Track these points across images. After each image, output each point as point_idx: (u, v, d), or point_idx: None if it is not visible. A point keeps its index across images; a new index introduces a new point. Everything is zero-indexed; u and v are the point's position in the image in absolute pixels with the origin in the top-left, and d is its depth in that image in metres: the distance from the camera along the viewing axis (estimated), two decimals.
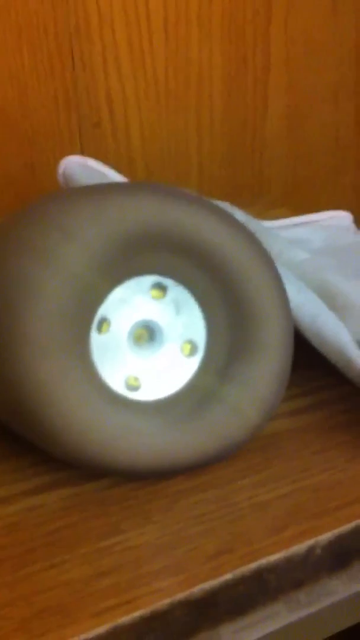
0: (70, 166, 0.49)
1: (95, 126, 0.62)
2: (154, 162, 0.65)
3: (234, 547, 0.30)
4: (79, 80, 0.60)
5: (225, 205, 0.49)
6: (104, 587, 0.29)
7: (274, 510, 0.33)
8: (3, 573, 0.30)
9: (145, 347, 0.36)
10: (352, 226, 0.52)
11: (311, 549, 0.30)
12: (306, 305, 0.40)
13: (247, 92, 0.68)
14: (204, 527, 0.32)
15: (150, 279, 0.35)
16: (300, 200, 0.72)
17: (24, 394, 0.32)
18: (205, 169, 0.67)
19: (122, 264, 0.33)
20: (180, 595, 0.28)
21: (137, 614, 0.28)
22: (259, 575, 0.29)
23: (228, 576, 0.29)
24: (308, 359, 0.41)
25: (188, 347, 0.36)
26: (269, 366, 0.35)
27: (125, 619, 0.27)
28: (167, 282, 0.36)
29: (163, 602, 0.28)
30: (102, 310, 0.34)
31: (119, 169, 0.51)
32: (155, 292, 0.36)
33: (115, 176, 0.49)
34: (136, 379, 0.35)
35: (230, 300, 0.35)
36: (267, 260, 0.36)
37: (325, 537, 0.31)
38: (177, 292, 0.36)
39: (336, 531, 0.31)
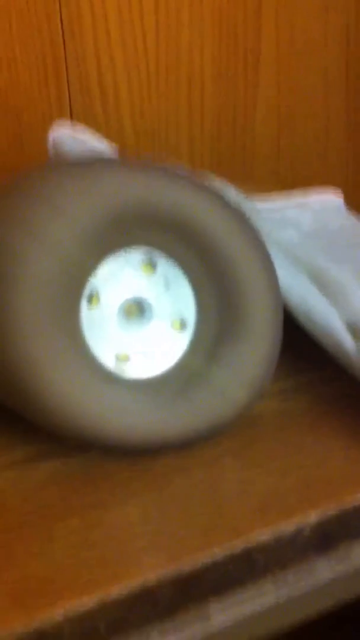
0: (59, 135, 0.48)
1: (84, 96, 0.61)
2: (144, 134, 0.64)
3: (221, 525, 0.31)
4: (68, 49, 0.59)
5: (216, 182, 0.49)
6: (91, 562, 0.29)
7: (261, 491, 0.33)
8: None
9: (135, 323, 0.36)
10: (342, 207, 0.52)
11: (299, 530, 0.31)
12: (296, 287, 0.40)
13: (238, 65, 0.67)
14: (191, 505, 0.32)
15: (140, 254, 0.35)
16: (290, 176, 0.72)
17: (13, 367, 0.32)
18: (196, 141, 0.67)
19: (111, 239, 0.33)
20: (168, 572, 0.28)
21: (124, 588, 0.28)
22: (247, 554, 0.30)
23: (216, 554, 0.29)
24: (297, 340, 0.41)
25: (178, 323, 0.36)
26: (257, 347, 0.36)
27: (112, 593, 0.28)
28: (158, 257, 0.35)
29: (151, 578, 0.28)
30: (92, 285, 0.34)
31: (108, 138, 0.51)
32: (145, 268, 0.36)
33: (105, 147, 0.48)
34: (126, 354, 0.35)
35: (220, 279, 0.35)
36: (257, 241, 0.36)
37: (314, 518, 0.31)
38: (168, 268, 0.36)
39: (324, 512, 0.31)
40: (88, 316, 0.34)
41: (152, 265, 0.36)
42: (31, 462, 0.35)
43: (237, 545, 0.29)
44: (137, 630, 0.28)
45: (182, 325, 0.36)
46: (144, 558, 0.29)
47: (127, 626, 0.28)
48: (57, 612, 0.27)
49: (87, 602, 0.27)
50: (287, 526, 0.30)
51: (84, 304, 0.34)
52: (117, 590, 0.28)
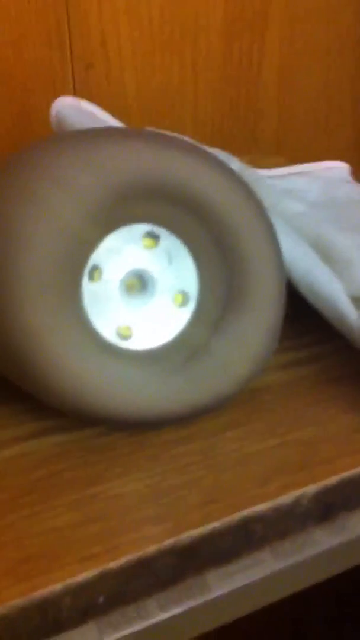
0: (63, 108, 0.48)
1: (88, 68, 0.60)
2: (148, 106, 0.64)
3: (220, 497, 0.31)
4: (72, 22, 0.59)
5: (221, 154, 0.48)
6: (92, 534, 0.29)
7: (261, 462, 0.33)
8: None
9: (137, 297, 0.36)
10: (349, 177, 0.51)
11: (298, 500, 0.31)
12: (300, 259, 0.39)
13: (244, 38, 0.66)
14: (191, 477, 0.32)
15: (142, 228, 0.35)
16: (293, 149, 0.71)
17: (15, 340, 0.32)
18: (200, 113, 0.66)
19: (114, 212, 0.33)
20: (167, 543, 0.29)
21: (124, 560, 0.28)
22: (245, 525, 0.30)
23: (215, 525, 0.29)
24: (301, 312, 0.40)
25: (180, 297, 0.36)
26: (260, 320, 0.35)
27: (112, 564, 0.28)
28: (160, 231, 0.35)
29: (150, 549, 0.28)
30: (94, 259, 0.34)
31: (112, 113, 0.50)
32: (147, 241, 0.35)
33: (108, 119, 0.48)
34: (128, 328, 0.35)
35: (223, 251, 0.35)
36: (261, 212, 0.35)
37: (312, 488, 0.31)
38: (170, 241, 0.35)
39: (323, 483, 0.31)
40: (90, 290, 0.34)
41: (154, 238, 0.35)
42: (33, 437, 0.35)
43: (236, 516, 0.30)
44: (136, 601, 0.29)
45: (185, 298, 0.36)
46: (144, 530, 0.29)
47: (126, 598, 0.28)
48: (57, 584, 0.27)
49: (86, 574, 0.27)
50: (285, 497, 0.30)
51: (85, 278, 0.34)
52: (117, 562, 0.28)
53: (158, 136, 0.34)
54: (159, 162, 0.33)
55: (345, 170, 0.52)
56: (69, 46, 0.59)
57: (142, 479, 0.32)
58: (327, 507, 0.32)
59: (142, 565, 0.28)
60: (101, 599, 0.28)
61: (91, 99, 0.53)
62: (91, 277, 0.34)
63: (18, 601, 0.26)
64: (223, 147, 0.48)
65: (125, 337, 0.35)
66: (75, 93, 0.60)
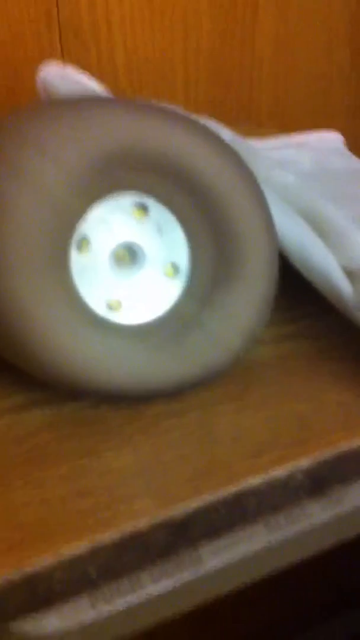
0: (49, 75, 0.47)
1: (76, 36, 0.59)
2: (137, 76, 0.62)
3: (213, 470, 0.31)
4: None
5: (211, 124, 0.47)
6: (84, 507, 0.29)
7: (255, 436, 0.33)
8: None
9: (127, 269, 0.35)
10: (343, 148, 0.51)
11: (292, 474, 0.31)
12: (293, 231, 0.39)
13: (237, 5, 0.65)
14: (183, 451, 0.32)
15: (131, 199, 0.34)
16: (288, 120, 0.70)
17: (2, 313, 0.31)
18: (191, 83, 0.65)
19: (101, 182, 0.33)
20: (159, 516, 0.28)
21: (116, 533, 0.28)
22: (239, 499, 0.30)
23: (207, 498, 0.29)
24: (294, 285, 0.40)
25: (171, 269, 0.36)
26: (252, 292, 0.35)
27: (104, 538, 0.28)
28: (149, 202, 0.35)
29: (143, 523, 0.28)
30: (82, 230, 0.33)
31: (101, 80, 0.49)
32: (137, 213, 0.35)
33: (95, 87, 0.47)
34: (118, 301, 0.35)
35: (213, 223, 0.35)
36: (252, 183, 0.35)
37: (306, 462, 0.31)
38: (160, 212, 0.35)
39: (316, 457, 0.31)
40: (78, 262, 0.34)
41: (144, 209, 0.35)
42: (23, 409, 0.35)
43: (229, 489, 0.29)
44: (129, 575, 0.29)
45: (175, 271, 0.36)
46: (136, 503, 0.29)
47: (119, 571, 0.28)
48: (48, 557, 0.27)
49: (78, 547, 0.27)
50: (279, 471, 0.30)
51: (74, 250, 0.33)
52: (108, 535, 0.28)
53: (143, 105, 0.33)
54: (144, 130, 0.32)
55: (339, 141, 0.51)
56: (56, 12, 0.58)
57: (133, 451, 0.32)
58: (321, 481, 0.32)
59: (135, 539, 0.28)
60: (93, 573, 0.28)
61: (79, 64, 0.52)
62: (80, 249, 0.34)
63: (8, 576, 0.26)
64: (215, 116, 0.48)
65: (115, 310, 0.35)
66: (64, 61, 0.59)
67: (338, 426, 0.33)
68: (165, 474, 0.31)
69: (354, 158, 0.51)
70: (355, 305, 0.37)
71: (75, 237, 0.33)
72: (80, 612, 0.28)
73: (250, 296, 0.35)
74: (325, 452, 0.31)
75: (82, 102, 0.33)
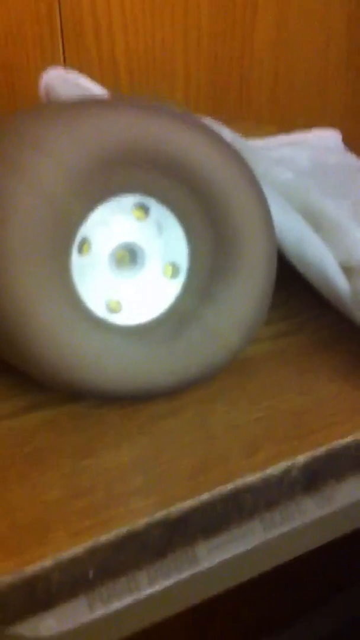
0: (51, 79, 0.47)
1: (77, 36, 0.59)
2: (138, 76, 0.63)
3: (210, 467, 0.31)
4: None
5: (211, 123, 0.47)
6: (81, 507, 0.29)
7: (251, 432, 0.33)
8: None
9: (127, 269, 0.35)
10: (341, 145, 0.51)
11: (287, 470, 0.30)
12: (291, 228, 0.39)
13: (237, 5, 0.65)
14: (180, 448, 0.32)
15: (132, 199, 0.34)
16: (287, 119, 0.70)
17: (2, 314, 0.31)
18: (191, 81, 0.65)
19: (101, 183, 0.32)
20: (156, 515, 0.28)
21: (113, 533, 0.28)
22: (235, 495, 0.30)
23: (204, 496, 0.29)
24: (291, 282, 0.40)
25: (170, 269, 0.36)
26: (250, 289, 0.35)
27: (102, 537, 0.28)
28: (150, 202, 0.35)
29: (140, 522, 0.28)
30: (83, 231, 0.33)
31: (102, 80, 0.49)
32: (137, 213, 0.35)
33: (95, 88, 0.47)
34: (117, 302, 0.35)
35: (213, 220, 0.35)
36: (251, 180, 0.35)
37: (302, 458, 0.31)
38: (160, 212, 0.35)
39: (312, 453, 0.31)
40: (79, 263, 0.34)
41: (144, 209, 0.35)
42: (23, 412, 0.35)
43: (226, 486, 0.29)
44: (126, 574, 0.29)
45: (175, 270, 0.36)
46: (133, 502, 0.29)
47: (116, 571, 0.28)
48: (46, 558, 0.27)
49: (76, 548, 0.27)
50: (275, 467, 0.30)
51: (74, 250, 0.33)
52: (106, 535, 0.28)
53: (144, 105, 0.33)
54: (144, 129, 0.32)
55: (337, 138, 0.51)
56: (58, 11, 0.58)
57: (131, 449, 0.32)
58: (316, 477, 0.32)
59: (132, 538, 0.28)
60: (91, 573, 0.28)
61: (80, 65, 0.52)
62: (80, 250, 0.34)
63: (6, 577, 0.26)
64: (214, 115, 0.48)
65: (114, 311, 0.35)
66: (65, 60, 0.59)
67: (333, 422, 0.33)
68: (162, 471, 0.31)
69: (351, 155, 0.51)
70: (351, 301, 0.37)
71: (75, 238, 0.33)
72: (79, 613, 0.28)
73: (249, 293, 0.35)
74: (321, 448, 0.31)
75: (81, 102, 0.33)
